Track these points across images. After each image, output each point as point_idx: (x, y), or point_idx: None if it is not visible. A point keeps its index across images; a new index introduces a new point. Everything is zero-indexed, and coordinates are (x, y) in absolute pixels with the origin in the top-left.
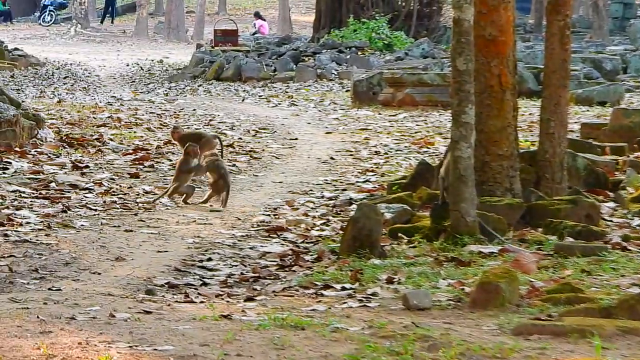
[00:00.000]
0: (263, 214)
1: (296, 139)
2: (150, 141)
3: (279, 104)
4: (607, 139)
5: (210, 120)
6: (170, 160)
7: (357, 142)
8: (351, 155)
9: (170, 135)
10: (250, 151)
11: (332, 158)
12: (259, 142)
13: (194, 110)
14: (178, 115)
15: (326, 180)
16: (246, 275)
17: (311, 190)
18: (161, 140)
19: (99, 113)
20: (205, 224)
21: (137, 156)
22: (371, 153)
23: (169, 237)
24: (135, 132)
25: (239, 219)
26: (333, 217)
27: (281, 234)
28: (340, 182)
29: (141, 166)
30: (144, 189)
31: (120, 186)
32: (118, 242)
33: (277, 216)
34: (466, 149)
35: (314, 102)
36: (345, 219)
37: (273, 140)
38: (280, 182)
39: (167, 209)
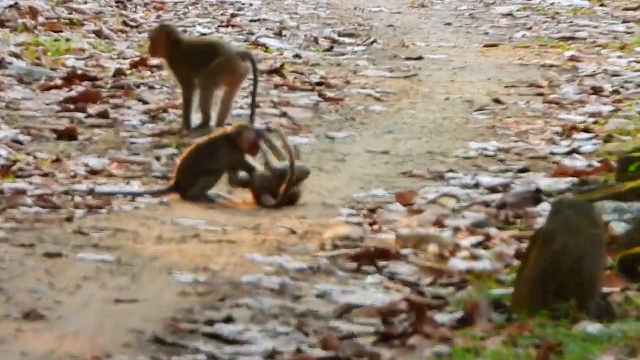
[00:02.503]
0: (346, 221)
1: (420, 57)
2: (103, 61)
3: None
4: None
5: (233, 15)
6: (146, 104)
7: (552, 66)
8: (539, 94)
9: (149, 47)
10: (320, 84)
11: (496, 100)
12: (338, 65)
13: None
14: (163, 2)
15: (483, 149)
16: (308, 354)
17: (450, 170)
18: (126, 60)
19: None
20: (220, 241)
21: (72, 92)
22: (583, 91)
23: (142, 269)
24: (68, 39)
25: (294, 233)
26: (498, 229)
27: (385, 266)
28: (515, 154)
29: (82, 114)
30: (86, 165)
31: (35, 158)
32: (30, 280)
33: (375, 226)
34: None
35: None
36: (525, 235)
37: (369, 60)
38: (383, 153)
39: (137, 208)
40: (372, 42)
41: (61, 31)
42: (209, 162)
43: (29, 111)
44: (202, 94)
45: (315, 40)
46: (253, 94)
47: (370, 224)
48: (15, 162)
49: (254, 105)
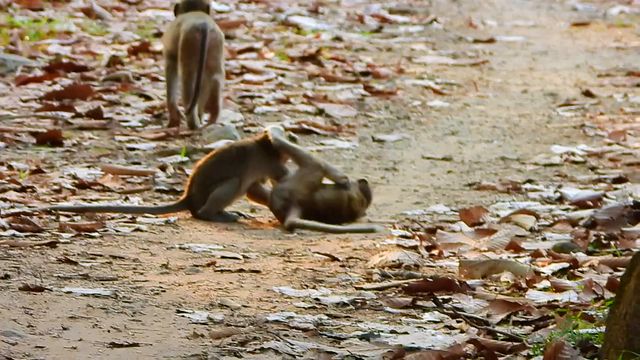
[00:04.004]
0: (398, 245)
1: (491, 40)
2: (94, 46)
3: None
4: None
5: None
6: (149, 100)
7: None
8: None
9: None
10: (366, 73)
11: (586, 93)
12: (389, 50)
13: None
14: None
15: (570, 153)
16: None
17: (528, 181)
18: (123, 45)
19: None
20: (240, 271)
21: (55, 86)
22: None
23: (144, 306)
24: (51, 19)
25: (334, 259)
26: (588, 253)
27: (446, 301)
28: (610, 160)
29: (68, 113)
30: (74, 177)
31: (11, 168)
32: (5, 320)
33: (434, 250)
34: None
35: None
36: (620, 261)
37: (428, 43)
38: (445, 159)
39: (137, 230)
40: (431, 21)
41: (42, 9)
42: (232, 170)
43: (3, 110)
44: (182, 81)
45: (361, 19)
46: (198, 78)
47: (428, 249)
48: None
49: (195, 96)
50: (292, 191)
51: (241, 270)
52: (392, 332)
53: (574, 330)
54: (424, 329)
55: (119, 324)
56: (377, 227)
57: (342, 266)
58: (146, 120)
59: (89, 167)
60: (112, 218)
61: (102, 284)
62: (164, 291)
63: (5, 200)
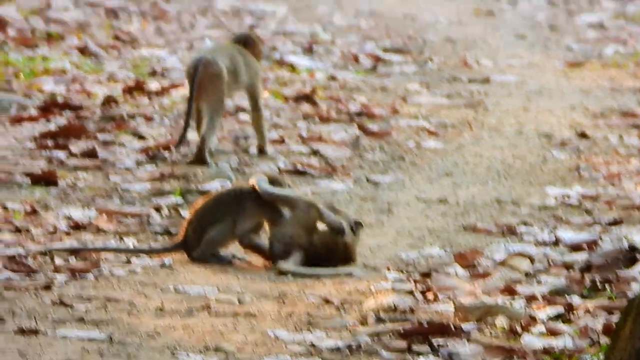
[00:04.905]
0: (393, 288)
1: (486, 80)
2: (89, 85)
3: None
4: None
5: (252, 26)
6: (143, 139)
7: None
8: (635, 125)
9: None
10: (360, 113)
11: (581, 134)
12: (384, 90)
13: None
14: (164, 10)
15: (565, 196)
16: None
17: (523, 223)
18: (118, 83)
19: None
20: (236, 314)
21: (50, 125)
22: None
23: (139, 349)
24: (46, 57)
25: (328, 302)
26: (583, 297)
27: (441, 345)
28: (605, 203)
29: (63, 153)
30: (69, 218)
31: (5, 209)
32: None
33: (429, 293)
34: None
35: None
36: (616, 305)
37: (423, 83)
38: (440, 201)
39: (132, 272)
40: (426, 61)
41: (37, 47)
42: (228, 212)
43: None
44: None
45: (355, 58)
46: (188, 110)
47: (423, 292)
48: None
49: (186, 127)
50: (293, 235)
51: (236, 314)
52: None
53: None
54: None
55: None
56: (356, 272)
57: (337, 309)
58: (141, 160)
59: (83, 207)
60: (107, 260)
61: (97, 327)
62: (159, 334)
63: (0, 241)
